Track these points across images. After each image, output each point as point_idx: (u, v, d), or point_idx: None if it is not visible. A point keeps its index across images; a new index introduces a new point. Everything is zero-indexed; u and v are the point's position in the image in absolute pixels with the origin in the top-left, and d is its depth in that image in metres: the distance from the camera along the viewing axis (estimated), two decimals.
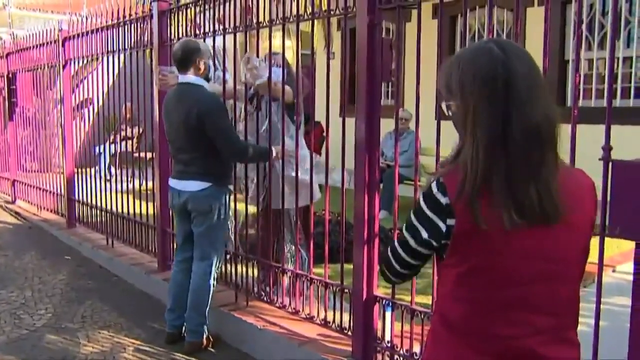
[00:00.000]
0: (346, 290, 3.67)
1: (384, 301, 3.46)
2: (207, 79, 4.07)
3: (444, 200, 1.42)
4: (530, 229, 1.40)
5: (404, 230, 1.55)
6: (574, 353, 1.53)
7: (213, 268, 4.04)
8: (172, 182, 4.08)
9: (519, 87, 1.39)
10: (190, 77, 3.94)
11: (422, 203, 1.48)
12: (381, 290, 3.59)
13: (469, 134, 1.42)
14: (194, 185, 3.93)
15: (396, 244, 1.60)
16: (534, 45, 2.69)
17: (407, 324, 3.33)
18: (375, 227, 3.44)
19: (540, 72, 1.47)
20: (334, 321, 3.77)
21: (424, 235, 1.48)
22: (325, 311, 3.82)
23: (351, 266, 3.54)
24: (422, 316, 3.25)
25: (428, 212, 1.46)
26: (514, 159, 1.37)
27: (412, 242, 1.52)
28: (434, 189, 1.44)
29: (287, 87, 3.98)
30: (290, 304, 4.08)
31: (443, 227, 1.44)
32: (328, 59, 3.53)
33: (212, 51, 4.26)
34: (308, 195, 3.96)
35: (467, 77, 1.43)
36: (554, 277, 1.46)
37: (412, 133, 7.51)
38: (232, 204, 4.18)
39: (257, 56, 4.08)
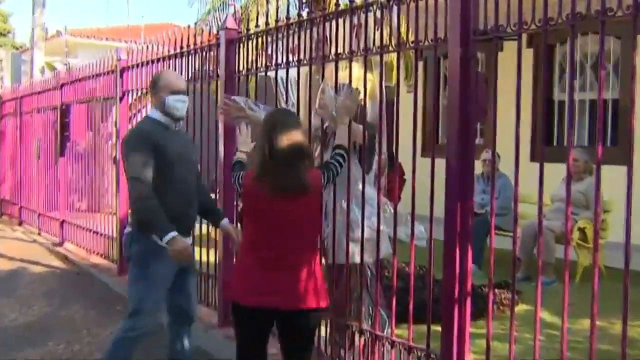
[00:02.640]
0: (433, 356, 3.64)
1: None
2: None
3: (242, 181, 3.47)
4: (287, 198, 3.22)
5: None
6: (301, 259, 3.33)
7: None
8: None
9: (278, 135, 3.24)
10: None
11: (236, 180, 3.58)
12: (473, 356, 3.54)
13: (259, 156, 3.33)
14: None
15: None
16: None
17: None
18: (467, 283, 3.42)
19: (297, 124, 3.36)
20: None
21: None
22: None
23: (439, 327, 3.53)
24: None
25: (236, 185, 3.59)
26: (279, 165, 3.23)
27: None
28: (241, 176, 3.52)
29: (356, 126, 4.02)
30: None
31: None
32: (415, 94, 3.57)
33: (284, 83, 4.35)
34: (374, 248, 4.00)
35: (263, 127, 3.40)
36: (296, 224, 3.28)
37: (502, 176, 7.30)
38: None
39: (336, 91, 4.09)
